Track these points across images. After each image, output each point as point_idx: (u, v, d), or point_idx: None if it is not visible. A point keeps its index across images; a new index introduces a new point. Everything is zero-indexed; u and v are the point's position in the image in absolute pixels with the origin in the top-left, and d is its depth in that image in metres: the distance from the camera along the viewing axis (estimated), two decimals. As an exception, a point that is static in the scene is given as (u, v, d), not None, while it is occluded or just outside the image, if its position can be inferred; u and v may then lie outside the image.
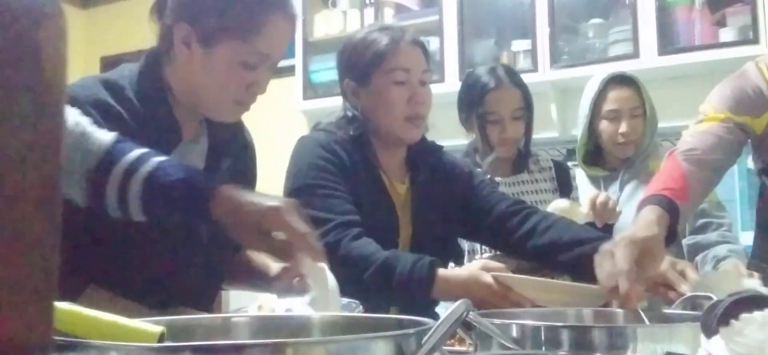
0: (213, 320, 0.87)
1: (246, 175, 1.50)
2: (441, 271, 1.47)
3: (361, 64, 1.68)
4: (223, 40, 1.31)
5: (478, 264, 1.47)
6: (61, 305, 0.66)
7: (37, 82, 0.37)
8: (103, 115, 1.25)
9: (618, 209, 1.93)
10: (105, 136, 1.18)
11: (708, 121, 1.63)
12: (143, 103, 1.33)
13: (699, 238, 2.17)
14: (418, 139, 1.72)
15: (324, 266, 1.09)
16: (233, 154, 1.46)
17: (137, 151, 1.18)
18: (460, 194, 1.78)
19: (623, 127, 2.22)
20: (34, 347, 0.37)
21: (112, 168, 1.15)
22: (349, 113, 1.71)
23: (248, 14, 1.31)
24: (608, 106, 2.24)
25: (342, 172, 1.61)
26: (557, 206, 1.87)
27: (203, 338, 0.79)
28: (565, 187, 2.22)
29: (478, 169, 2.17)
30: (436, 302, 1.77)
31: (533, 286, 1.44)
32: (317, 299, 1.06)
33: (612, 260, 1.23)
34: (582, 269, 1.51)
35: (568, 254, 1.62)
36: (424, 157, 1.76)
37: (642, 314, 1.12)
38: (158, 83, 1.37)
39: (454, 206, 1.76)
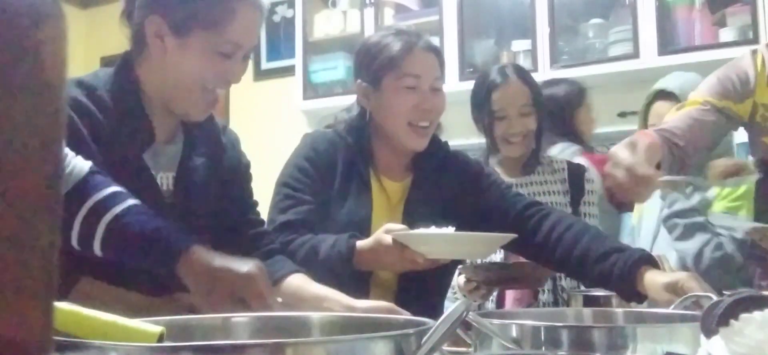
0: (213, 320, 0.87)
1: (221, 175, 1.48)
2: (358, 243, 1.50)
3: (373, 67, 1.68)
4: (196, 29, 1.32)
5: (383, 228, 1.48)
6: (61, 305, 0.66)
7: (37, 82, 0.37)
8: (78, 114, 1.26)
9: None
10: (82, 165, 1.18)
11: (688, 105, 1.64)
12: (116, 103, 1.34)
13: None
14: (422, 148, 1.70)
15: None
16: (208, 154, 1.46)
17: (110, 189, 1.17)
18: (470, 193, 1.74)
19: None
20: (34, 347, 0.37)
21: (84, 202, 1.15)
22: (357, 113, 1.74)
23: (218, 2, 1.32)
24: (651, 120, 2.27)
25: (321, 173, 1.64)
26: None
27: (203, 338, 0.79)
28: (577, 188, 2.18)
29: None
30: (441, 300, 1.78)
31: (424, 239, 1.45)
32: None
33: None
34: (611, 282, 1.49)
35: (599, 267, 1.52)
36: (430, 155, 1.74)
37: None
38: (132, 84, 1.38)
39: (461, 206, 1.71)
